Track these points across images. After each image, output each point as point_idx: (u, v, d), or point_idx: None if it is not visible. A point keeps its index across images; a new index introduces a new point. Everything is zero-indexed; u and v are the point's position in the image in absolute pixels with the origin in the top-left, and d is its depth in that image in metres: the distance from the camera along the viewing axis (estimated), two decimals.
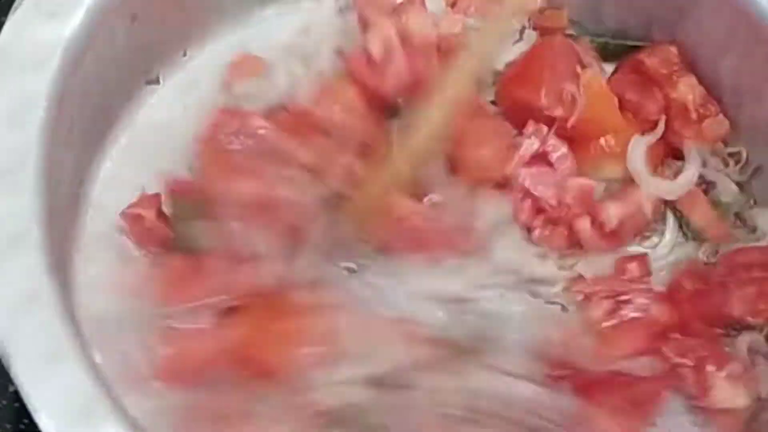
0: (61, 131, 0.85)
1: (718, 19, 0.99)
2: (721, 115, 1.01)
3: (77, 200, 0.94)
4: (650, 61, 1.03)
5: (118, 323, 0.90)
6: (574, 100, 0.98)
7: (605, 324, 0.96)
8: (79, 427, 0.74)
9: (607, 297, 0.98)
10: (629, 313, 0.96)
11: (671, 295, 0.98)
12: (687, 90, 1.01)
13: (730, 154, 1.03)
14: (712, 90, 1.02)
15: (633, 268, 0.99)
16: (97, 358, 0.80)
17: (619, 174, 1.02)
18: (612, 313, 0.97)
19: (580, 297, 0.99)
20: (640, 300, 0.97)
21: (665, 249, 1.02)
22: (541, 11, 1.06)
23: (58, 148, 0.84)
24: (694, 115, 1.01)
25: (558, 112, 0.98)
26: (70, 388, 0.75)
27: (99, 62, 0.91)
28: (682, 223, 1.02)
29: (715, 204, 1.02)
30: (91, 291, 0.91)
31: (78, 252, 0.93)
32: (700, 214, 1.01)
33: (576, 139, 1.00)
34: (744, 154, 1.03)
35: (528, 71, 1.01)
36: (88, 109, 0.92)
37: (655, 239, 1.02)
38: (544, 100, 0.98)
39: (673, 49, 1.03)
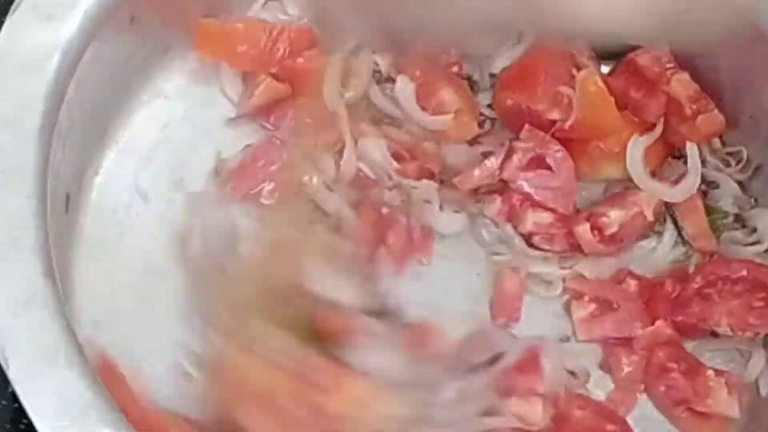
0: (59, 134, 0.85)
1: (718, 18, 0.98)
2: (715, 111, 1.01)
3: (74, 203, 0.94)
4: (642, 59, 1.02)
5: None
6: (570, 102, 0.98)
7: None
8: (76, 428, 0.74)
9: (595, 300, 0.98)
10: (608, 326, 0.98)
11: (651, 293, 0.99)
12: (680, 86, 1.01)
13: (730, 154, 1.03)
14: (712, 89, 1.02)
15: (632, 285, 1.00)
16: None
17: (619, 175, 1.02)
18: (593, 318, 0.98)
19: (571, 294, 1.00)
20: (625, 315, 0.98)
21: (665, 248, 1.02)
22: None
23: (55, 151, 0.84)
24: (688, 111, 1.00)
25: (555, 114, 0.98)
26: (67, 391, 0.75)
27: (97, 65, 0.90)
28: (678, 227, 1.02)
29: (713, 209, 1.02)
30: (87, 294, 0.92)
31: (75, 255, 0.94)
32: (693, 223, 1.01)
33: (574, 141, 1.00)
34: (744, 154, 1.03)
35: (523, 75, 1.01)
36: (86, 112, 0.92)
37: (653, 242, 1.02)
38: (540, 104, 0.98)
39: (665, 48, 1.02)
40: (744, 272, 0.97)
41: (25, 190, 0.81)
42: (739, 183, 1.03)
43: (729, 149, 1.03)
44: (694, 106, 1.01)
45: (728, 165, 1.03)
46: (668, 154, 1.04)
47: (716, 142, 1.04)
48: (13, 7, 0.85)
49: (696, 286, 0.98)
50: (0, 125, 0.82)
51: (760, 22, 0.96)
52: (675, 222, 1.02)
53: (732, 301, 0.97)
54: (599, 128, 1.00)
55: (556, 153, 0.99)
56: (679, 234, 1.02)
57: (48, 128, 0.83)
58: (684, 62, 1.02)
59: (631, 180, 1.01)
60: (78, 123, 0.90)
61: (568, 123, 0.98)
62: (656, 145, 1.02)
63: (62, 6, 0.87)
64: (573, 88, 0.98)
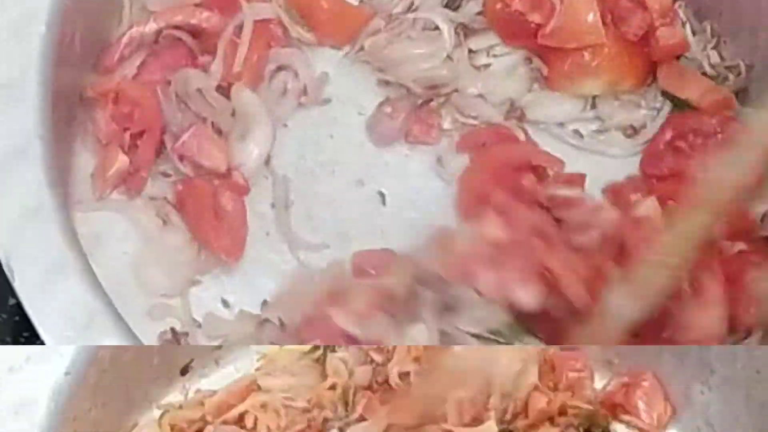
0: (62, 45, 0.84)
1: None
2: (677, 27, 1.00)
3: (77, 114, 0.93)
4: None
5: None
6: (552, 6, 0.98)
7: None
8: (81, 339, 0.75)
9: None
10: None
11: None
12: None
13: (729, 68, 1.02)
14: (710, 3, 1.02)
15: None
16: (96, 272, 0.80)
17: (598, 90, 1.01)
18: None
19: None
20: None
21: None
22: None
23: (59, 62, 0.83)
24: (657, 24, 1.00)
25: (535, 17, 0.98)
26: (73, 302, 0.75)
27: None
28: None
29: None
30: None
31: (77, 166, 0.94)
32: (695, 85, 1.01)
33: (555, 51, 0.99)
34: (742, 67, 1.02)
35: None
36: (89, 22, 0.91)
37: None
38: (521, 3, 0.98)
39: None
40: (714, 123, 0.97)
41: (28, 101, 0.80)
42: (736, 94, 1.02)
43: (727, 63, 1.03)
44: (660, 20, 1.00)
45: (726, 79, 1.03)
46: (650, 71, 1.02)
47: (714, 54, 1.03)
48: None
49: (667, 137, 0.98)
50: (4, 36, 0.81)
51: None
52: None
53: (704, 155, 0.96)
54: (579, 39, 0.99)
55: None
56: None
57: (51, 39, 0.83)
58: None
59: (609, 96, 1.02)
60: (80, 34, 0.89)
61: (549, 27, 0.98)
62: (637, 59, 1.01)
63: None
64: None
